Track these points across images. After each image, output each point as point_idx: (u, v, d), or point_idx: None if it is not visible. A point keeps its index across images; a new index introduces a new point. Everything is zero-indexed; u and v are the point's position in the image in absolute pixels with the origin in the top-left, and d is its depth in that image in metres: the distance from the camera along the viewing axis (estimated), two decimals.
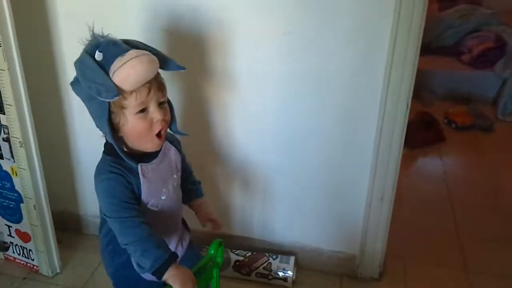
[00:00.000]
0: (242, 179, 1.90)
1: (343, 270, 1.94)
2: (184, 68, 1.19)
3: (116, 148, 1.14)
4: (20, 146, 1.67)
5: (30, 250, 1.89)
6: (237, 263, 1.91)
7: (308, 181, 1.84)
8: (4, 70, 1.57)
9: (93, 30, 1.14)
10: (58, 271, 1.92)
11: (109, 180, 1.16)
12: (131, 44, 1.14)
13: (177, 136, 1.32)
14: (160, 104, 1.16)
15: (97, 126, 1.18)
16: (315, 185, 1.84)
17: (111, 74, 1.07)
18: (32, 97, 1.65)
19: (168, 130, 1.24)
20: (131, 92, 1.09)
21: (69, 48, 1.79)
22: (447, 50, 3.77)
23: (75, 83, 1.15)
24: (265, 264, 1.89)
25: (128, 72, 1.06)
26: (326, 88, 1.67)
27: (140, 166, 1.18)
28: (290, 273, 1.87)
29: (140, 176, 1.18)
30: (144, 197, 1.19)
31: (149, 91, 1.11)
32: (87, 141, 1.95)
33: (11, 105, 1.62)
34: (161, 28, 1.67)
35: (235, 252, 1.93)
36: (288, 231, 1.94)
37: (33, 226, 1.81)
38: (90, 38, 1.15)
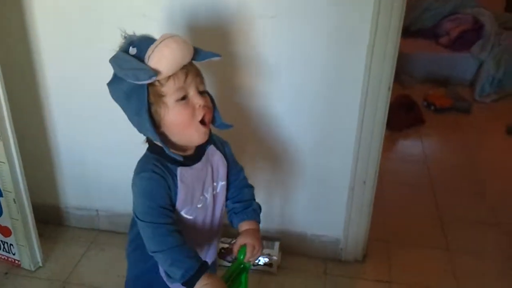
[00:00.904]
0: None
1: (327, 253, 1.96)
2: (219, 56, 1.13)
3: (163, 146, 1.08)
4: None
5: (11, 244, 1.86)
6: (223, 250, 1.91)
7: (291, 167, 1.84)
8: None
9: (125, 33, 1.10)
10: (41, 265, 1.90)
11: (150, 180, 1.09)
12: None
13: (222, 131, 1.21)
14: (200, 93, 1.10)
15: (138, 128, 1.11)
16: (298, 171, 1.84)
17: (146, 61, 1.03)
18: (9, 90, 1.61)
19: (213, 128, 1.16)
20: (168, 77, 1.04)
21: (47, 46, 1.77)
22: (426, 32, 3.79)
23: (113, 82, 1.09)
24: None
25: (162, 51, 1.02)
26: (308, 72, 1.66)
27: (180, 170, 1.12)
28: (275, 258, 1.88)
29: (178, 180, 1.11)
30: (178, 203, 1.13)
31: (187, 76, 1.06)
32: (66, 133, 1.93)
33: None
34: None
35: (220, 240, 1.93)
36: (272, 217, 1.94)
37: (13, 220, 1.78)
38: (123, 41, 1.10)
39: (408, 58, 3.49)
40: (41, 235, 1.88)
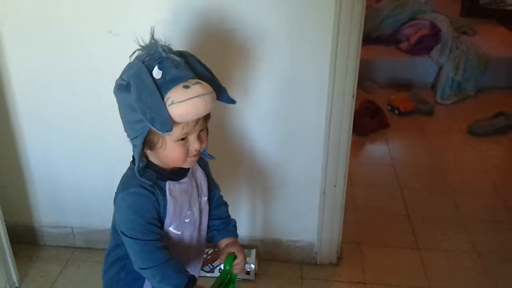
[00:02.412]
0: None
1: (303, 258, 2.01)
2: (234, 102, 1.15)
3: (137, 166, 1.07)
4: None
5: None
6: (212, 266, 1.93)
7: (263, 176, 1.88)
8: None
9: (153, 34, 1.05)
10: (17, 285, 1.88)
11: (139, 196, 1.08)
12: (189, 64, 1.07)
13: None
14: (201, 132, 1.10)
15: (128, 135, 1.09)
16: (269, 179, 1.89)
17: (168, 102, 0.99)
18: None
19: None
20: (181, 122, 1.02)
21: (13, 52, 1.75)
22: (386, 39, 3.90)
23: (123, 90, 1.03)
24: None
25: (189, 111, 0.99)
26: (273, 83, 1.72)
27: (168, 184, 1.12)
28: (252, 266, 1.91)
29: (167, 194, 1.11)
30: (167, 218, 1.12)
31: (197, 123, 1.06)
32: (38, 151, 1.92)
33: None
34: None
35: (208, 253, 1.95)
36: (247, 225, 1.98)
37: None
38: (149, 43, 1.05)
39: (370, 64, 3.59)
40: (15, 254, 1.87)
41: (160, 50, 1.03)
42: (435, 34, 3.79)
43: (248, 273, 1.92)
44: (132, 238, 1.08)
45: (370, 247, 2.12)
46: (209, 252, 1.95)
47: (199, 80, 1.03)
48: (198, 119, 1.05)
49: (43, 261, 2.02)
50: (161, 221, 1.12)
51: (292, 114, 1.77)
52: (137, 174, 1.08)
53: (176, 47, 1.10)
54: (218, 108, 1.69)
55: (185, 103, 0.98)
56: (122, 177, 1.15)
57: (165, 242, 1.12)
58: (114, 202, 1.13)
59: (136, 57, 1.05)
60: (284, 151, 1.83)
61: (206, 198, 1.24)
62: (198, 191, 1.21)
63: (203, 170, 1.25)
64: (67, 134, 1.85)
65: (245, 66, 1.69)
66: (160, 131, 1.00)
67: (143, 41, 1.06)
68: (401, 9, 3.94)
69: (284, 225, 1.97)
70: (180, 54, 1.08)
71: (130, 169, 1.14)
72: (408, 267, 2.01)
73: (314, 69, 1.68)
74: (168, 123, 0.98)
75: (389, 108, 3.38)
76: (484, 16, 4.28)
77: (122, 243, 1.13)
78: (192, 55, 1.11)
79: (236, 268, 1.23)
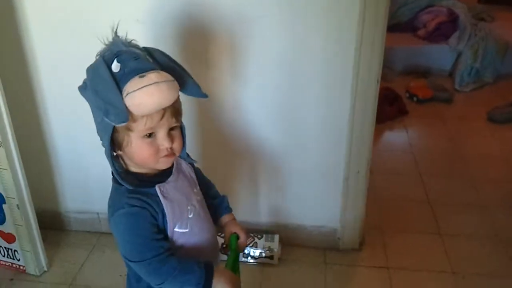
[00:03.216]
0: (224, 165, 1.94)
1: (325, 243, 2.02)
2: (206, 96, 1.09)
3: (113, 170, 1.04)
4: (0, 146, 1.66)
5: (15, 250, 1.88)
6: (224, 245, 1.95)
7: (288, 162, 1.90)
8: None
9: (116, 32, 1.03)
10: (46, 269, 1.92)
11: (131, 216, 1.03)
12: (153, 57, 1.04)
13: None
14: (172, 130, 1.05)
15: (98, 134, 1.07)
16: (295, 165, 1.90)
17: (124, 94, 0.95)
18: (8, 96, 1.64)
19: None
20: (143, 116, 0.98)
21: (40, 44, 1.78)
22: (403, 26, 3.88)
23: (84, 88, 1.03)
24: (251, 244, 1.95)
25: (144, 100, 0.95)
26: (299, 69, 1.72)
27: (158, 188, 1.07)
28: (276, 251, 1.93)
29: (161, 198, 1.06)
30: (169, 222, 1.07)
31: (162, 117, 1.00)
32: (64, 138, 1.95)
33: None
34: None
35: (221, 236, 1.97)
36: (271, 210, 2.00)
37: (17, 226, 1.80)
38: (111, 40, 1.03)
39: (387, 52, 3.49)
40: (44, 240, 1.90)
41: (120, 44, 1.01)
42: (453, 20, 3.77)
43: (271, 257, 1.94)
44: (137, 262, 1.04)
45: (391, 233, 2.13)
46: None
47: (158, 70, 0.99)
48: (163, 114, 0.99)
49: (70, 246, 2.05)
50: (163, 229, 1.07)
51: (315, 100, 1.77)
52: (117, 177, 1.04)
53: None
54: (246, 100, 1.76)
55: (139, 91, 0.94)
56: (109, 199, 1.10)
57: (175, 245, 1.10)
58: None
59: (98, 54, 1.04)
60: (308, 137, 1.84)
61: (198, 187, 1.21)
62: (189, 183, 1.18)
63: (183, 158, 1.19)
64: (93, 122, 1.86)
65: (272, 52, 1.70)
66: (114, 122, 0.96)
67: (107, 39, 1.04)
68: None
69: (307, 211, 1.99)
70: (145, 49, 1.06)
71: (114, 189, 1.09)
72: (430, 252, 2.02)
73: (339, 55, 1.68)
74: (123, 113, 0.94)
75: (407, 95, 3.38)
76: (502, 3, 4.23)
77: None
78: (158, 50, 1.07)
79: (241, 248, 1.26)
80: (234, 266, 1.20)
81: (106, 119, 0.96)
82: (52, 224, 2.09)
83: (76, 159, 1.97)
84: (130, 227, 1.03)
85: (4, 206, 1.78)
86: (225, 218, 1.29)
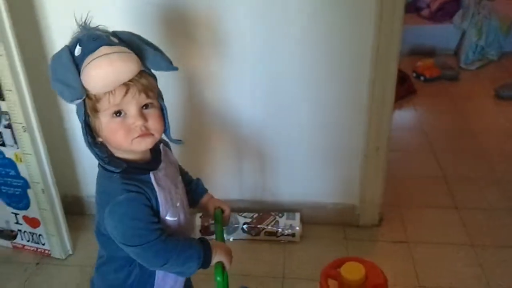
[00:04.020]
0: (244, 147, 1.96)
1: (345, 220, 2.04)
2: (176, 69, 1.04)
3: (95, 157, 1.02)
4: (24, 131, 1.66)
5: (40, 235, 1.89)
6: (246, 225, 1.98)
7: (307, 140, 1.92)
8: (1, 55, 1.55)
9: (84, 22, 1.00)
10: (71, 253, 1.94)
11: (129, 202, 1.01)
12: (120, 38, 1.00)
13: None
14: (145, 108, 1.01)
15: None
16: (314, 144, 1.92)
17: (82, 72, 0.95)
18: (31, 82, 1.64)
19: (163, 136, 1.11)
20: (105, 93, 0.96)
21: (58, 28, 1.78)
22: (408, 6, 3.85)
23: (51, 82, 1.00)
24: (272, 223, 1.97)
25: (94, 71, 0.93)
26: (318, 51, 1.73)
27: (153, 175, 1.06)
28: (297, 228, 1.96)
29: (155, 185, 1.05)
30: (162, 209, 1.06)
31: (126, 93, 0.97)
32: None
33: (11, 91, 1.61)
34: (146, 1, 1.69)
35: (243, 215, 2.00)
36: (291, 189, 2.02)
37: (42, 211, 1.82)
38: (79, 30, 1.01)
39: None
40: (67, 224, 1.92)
41: (85, 30, 0.99)
42: None
43: (293, 235, 1.96)
44: (135, 246, 1.02)
45: (409, 209, 2.15)
46: (254, 217, 2.00)
47: (113, 45, 0.96)
48: (127, 89, 0.96)
49: (92, 230, 2.05)
50: (157, 214, 1.06)
51: (335, 77, 1.78)
52: (100, 162, 1.03)
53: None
54: (265, 79, 1.76)
55: (89, 65, 0.93)
56: (99, 188, 1.08)
57: (166, 232, 1.08)
58: (99, 216, 1.06)
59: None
60: (326, 114, 1.85)
61: (180, 176, 1.21)
62: (176, 171, 1.18)
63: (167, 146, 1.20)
64: None
65: (293, 32, 1.71)
66: (69, 99, 0.96)
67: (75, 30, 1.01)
68: None
69: (326, 189, 2.01)
70: (113, 32, 1.02)
71: (105, 178, 1.05)
72: (449, 226, 2.05)
73: (357, 30, 1.69)
74: (76, 90, 0.94)
75: (414, 75, 3.39)
76: None
77: (117, 252, 1.07)
78: (128, 31, 1.04)
79: (226, 221, 1.28)
80: (223, 237, 1.23)
81: (64, 99, 0.97)
82: (74, 209, 2.10)
83: None
84: (130, 213, 1.02)
85: (28, 191, 1.80)
86: (204, 199, 1.30)
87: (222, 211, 1.28)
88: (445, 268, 1.84)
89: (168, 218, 1.09)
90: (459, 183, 2.30)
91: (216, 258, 1.10)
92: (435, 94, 3.23)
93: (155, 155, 1.11)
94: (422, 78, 3.36)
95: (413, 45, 3.70)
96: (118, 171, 1.02)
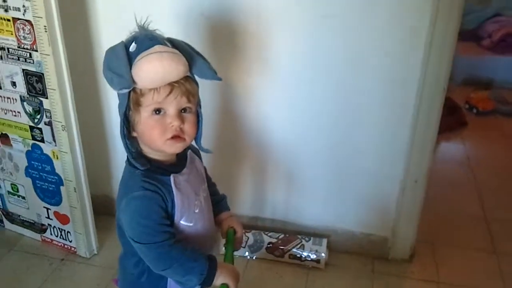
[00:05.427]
0: (276, 164, 1.93)
1: (375, 252, 1.97)
2: (220, 79, 1.10)
3: (125, 149, 1.07)
4: (63, 130, 1.70)
5: (68, 232, 1.93)
6: (270, 244, 1.95)
7: (342, 166, 1.86)
8: (48, 55, 1.59)
9: (143, 24, 1.06)
10: (96, 252, 1.96)
11: (144, 199, 1.04)
12: (173, 43, 1.06)
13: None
14: (183, 111, 1.05)
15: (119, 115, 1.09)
16: (349, 169, 1.86)
17: (133, 66, 1.00)
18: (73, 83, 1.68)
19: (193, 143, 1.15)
20: (150, 89, 1.01)
21: (108, 35, 1.82)
22: (466, 35, 3.74)
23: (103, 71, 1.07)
24: (298, 246, 1.93)
25: (144, 66, 0.98)
26: (363, 72, 1.69)
27: (173, 177, 1.09)
28: (323, 255, 1.91)
29: (173, 188, 1.08)
30: (177, 212, 1.09)
31: (170, 93, 1.01)
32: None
33: (55, 90, 1.65)
34: (199, 12, 1.69)
35: (268, 234, 1.97)
36: (321, 214, 1.97)
37: (72, 208, 1.85)
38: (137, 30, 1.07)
39: None
40: (95, 223, 1.94)
41: (142, 30, 1.05)
42: None
43: (318, 261, 1.91)
44: (144, 244, 1.05)
45: (443, 247, 2.06)
46: (280, 237, 1.96)
47: (167, 45, 1.03)
48: (171, 89, 1.01)
49: None
50: (170, 217, 1.08)
51: (377, 102, 1.73)
52: (128, 156, 1.07)
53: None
54: (307, 107, 1.73)
55: (142, 59, 0.99)
56: (121, 181, 1.13)
57: (178, 236, 1.10)
58: (118, 208, 1.11)
59: None
60: (366, 140, 1.80)
61: (206, 185, 1.23)
62: (200, 179, 1.20)
63: (198, 156, 1.23)
64: None
65: (335, 55, 1.68)
66: (117, 88, 1.01)
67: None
68: (485, 4, 3.79)
69: (358, 217, 1.94)
70: (169, 39, 1.07)
71: (129, 172, 1.10)
72: (484, 271, 1.94)
73: (405, 57, 1.64)
74: (126, 80, 0.99)
75: (466, 106, 3.27)
76: None
77: (132, 248, 1.09)
78: (182, 41, 1.09)
79: (237, 242, 1.26)
80: (232, 259, 1.20)
81: (112, 87, 1.02)
82: (104, 209, 2.12)
83: None
84: (143, 210, 1.04)
85: (61, 188, 1.83)
86: (222, 215, 1.30)
87: (235, 232, 1.26)
88: None
89: (182, 222, 1.11)
90: (501, 226, 2.18)
91: (221, 279, 1.09)
92: (487, 128, 3.10)
93: (181, 160, 1.15)
94: (474, 110, 3.23)
95: (468, 75, 3.57)
96: (141, 168, 1.06)
